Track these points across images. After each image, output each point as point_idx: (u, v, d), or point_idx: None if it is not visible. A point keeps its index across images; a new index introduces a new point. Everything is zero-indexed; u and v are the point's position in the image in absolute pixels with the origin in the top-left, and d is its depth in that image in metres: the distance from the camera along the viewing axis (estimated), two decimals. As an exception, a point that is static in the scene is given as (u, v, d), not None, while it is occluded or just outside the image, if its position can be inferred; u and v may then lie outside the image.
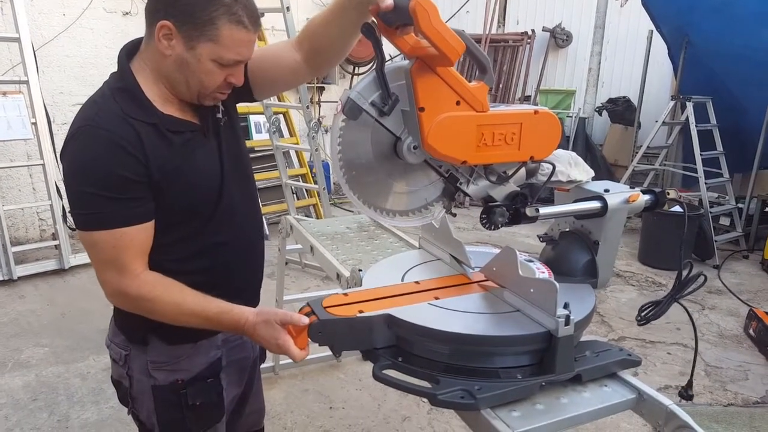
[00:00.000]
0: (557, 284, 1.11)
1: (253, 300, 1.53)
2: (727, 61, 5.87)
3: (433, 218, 1.31)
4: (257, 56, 1.38)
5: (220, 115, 1.38)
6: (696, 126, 5.57)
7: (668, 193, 1.45)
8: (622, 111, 7.41)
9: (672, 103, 5.91)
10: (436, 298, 1.28)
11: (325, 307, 1.21)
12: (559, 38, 8.27)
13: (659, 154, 6.45)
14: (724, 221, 5.93)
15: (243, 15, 1.20)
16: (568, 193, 1.48)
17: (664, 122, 5.98)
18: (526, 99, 7.90)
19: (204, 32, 1.18)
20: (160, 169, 1.23)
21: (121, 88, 1.26)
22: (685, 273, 1.47)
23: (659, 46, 6.50)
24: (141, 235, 1.24)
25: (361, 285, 1.59)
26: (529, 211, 1.28)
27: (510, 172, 1.27)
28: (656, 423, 1.15)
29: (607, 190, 1.39)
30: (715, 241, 5.34)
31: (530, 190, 1.35)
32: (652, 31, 6.35)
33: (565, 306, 1.13)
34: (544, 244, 1.54)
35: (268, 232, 5.56)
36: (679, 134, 6.46)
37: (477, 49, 1.09)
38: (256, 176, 5.60)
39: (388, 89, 1.11)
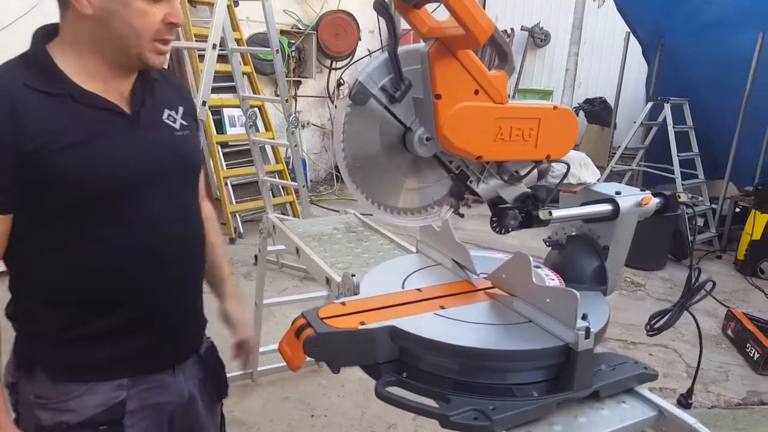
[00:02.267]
0: (578, 294, 1.02)
1: (179, 336, 1.33)
2: (701, 65, 5.95)
3: (439, 218, 1.21)
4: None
5: (175, 126, 1.26)
6: (674, 128, 5.60)
7: (679, 196, 1.38)
8: (598, 111, 7.44)
9: (650, 104, 5.93)
10: (442, 308, 1.18)
11: (322, 319, 1.10)
12: (538, 37, 8.27)
13: (635, 155, 6.48)
14: (698, 222, 5.99)
15: None
16: (574, 195, 1.40)
17: (641, 123, 6.00)
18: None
19: None
20: (46, 145, 1.06)
21: (28, 56, 1.14)
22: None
23: (635, 47, 6.54)
24: None
25: (354, 291, 1.50)
26: (543, 214, 1.19)
27: (523, 172, 1.18)
28: (679, 442, 1.07)
29: (618, 193, 1.31)
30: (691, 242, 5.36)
31: (536, 191, 1.27)
32: (629, 32, 6.38)
33: (584, 317, 1.04)
34: (547, 248, 1.46)
35: (242, 231, 5.39)
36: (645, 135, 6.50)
37: (498, 33, 1.00)
38: (231, 172, 5.44)
39: (401, 73, 1.01)
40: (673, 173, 5.67)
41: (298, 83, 7.26)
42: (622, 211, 1.29)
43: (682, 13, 5.88)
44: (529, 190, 1.20)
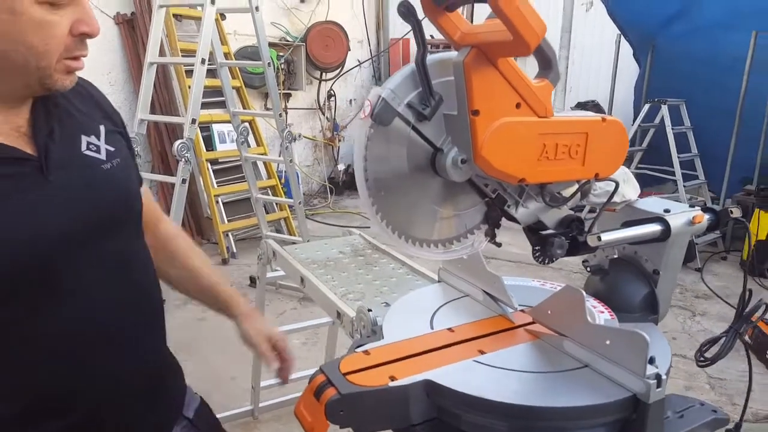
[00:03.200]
0: (647, 337, 0.87)
1: (149, 410, 1.06)
2: (692, 66, 5.90)
3: (473, 249, 1.06)
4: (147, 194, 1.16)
5: (100, 156, 0.95)
6: (672, 129, 5.51)
7: (731, 212, 1.24)
8: (592, 114, 7.34)
9: (647, 106, 5.84)
10: (481, 352, 1.03)
11: (344, 374, 0.94)
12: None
13: (632, 157, 6.39)
14: (701, 224, 5.89)
15: None
16: (614, 214, 1.26)
17: (640, 125, 5.91)
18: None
19: None
20: None
21: None
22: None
23: (625, 49, 6.47)
24: None
25: (371, 329, 1.35)
26: (591, 240, 1.04)
27: (566, 193, 1.03)
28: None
29: (667, 210, 1.17)
30: (696, 244, 5.27)
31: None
32: (620, 35, 6.31)
33: (651, 361, 0.90)
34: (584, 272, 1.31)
35: (236, 250, 5.21)
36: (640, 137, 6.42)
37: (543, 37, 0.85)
38: (222, 189, 5.25)
39: (430, 87, 0.86)
40: (673, 175, 5.57)
41: (288, 96, 7.12)
42: (674, 232, 1.15)
43: (673, 14, 5.85)
44: (573, 213, 1.05)
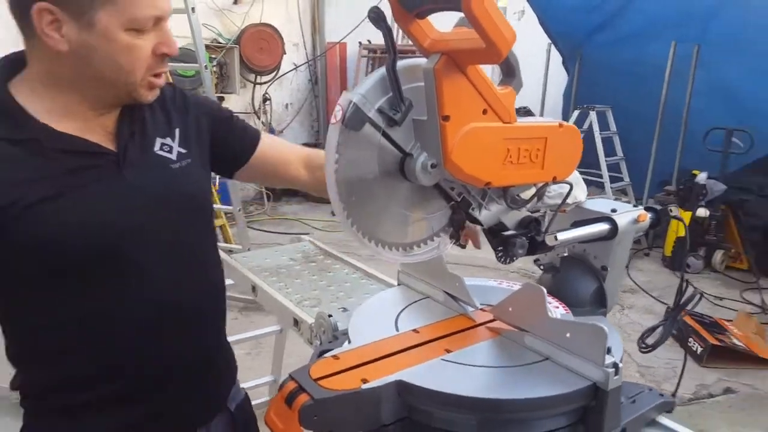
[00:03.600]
0: (606, 328, 0.93)
1: (194, 398, 1.15)
2: (616, 74, 6.24)
3: (439, 252, 1.09)
4: (270, 143, 1.24)
5: (171, 156, 1.07)
6: (600, 134, 5.80)
7: (671, 210, 1.33)
8: (523, 119, 7.61)
9: (576, 112, 6.12)
10: (447, 351, 1.06)
11: (315, 380, 0.95)
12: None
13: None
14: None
15: None
16: (564, 215, 1.32)
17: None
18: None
19: None
20: (12, 204, 0.90)
21: None
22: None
23: (555, 57, 6.76)
24: None
25: (331, 334, 1.35)
26: (549, 240, 1.09)
27: (526, 195, 1.08)
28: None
29: (614, 210, 1.25)
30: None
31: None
32: (550, 43, 6.58)
33: (608, 351, 0.95)
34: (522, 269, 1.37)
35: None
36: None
37: (508, 46, 0.89)
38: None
39: (401, 92, 0.88)
40: (600, 177, 5.86)
41: (221, 99, 6.96)
42: (621, 230, 1.22)
43: (599, 25, 6.16)
44: (531, 214, 1.10)
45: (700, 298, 1.36)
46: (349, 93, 0.88)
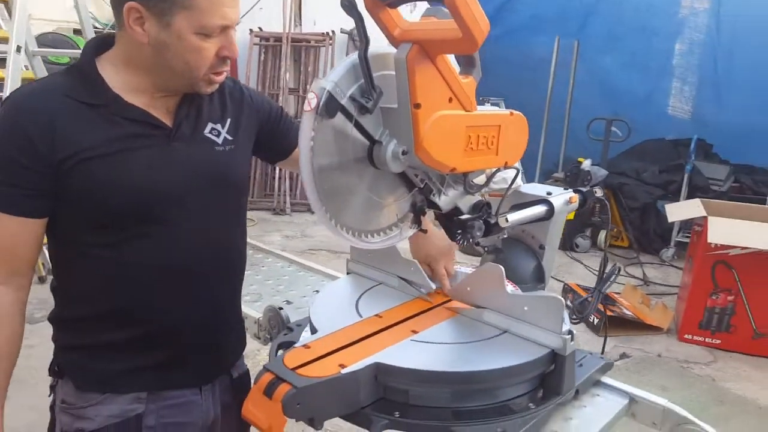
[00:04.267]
0: (562, 300, 1.02)
1: (207, 355, 1.25)
2: (507, 67, 6.58)
3: (402, 237, 1.12)
4: None
5: (217, 140, 1.19)
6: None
7: (595, 192, 1.46)
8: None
9: (472, 103, 6.36)
10: (414, 332, 1.10)
11: (292, 370, 0.95)
12: (358, 41, 8.42)
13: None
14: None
15: None
16: (502, 199, 1.41)
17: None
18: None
19: (175, 1, 1.02)
20: (77, 153, 1.05)
21: (76, 66, 1.13)
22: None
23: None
24: (12, 230, 1.07)
25: (281, 328, 1.35)
26: (502, 221, 1.16)
27: (479, 180, 1.14)
28: (651, 423, 1.13)
29: (549, 193, 1.35)
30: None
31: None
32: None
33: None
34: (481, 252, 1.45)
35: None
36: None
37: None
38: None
39: (372, 80, 0.90)
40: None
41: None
42: (556, 210, 1.32)
43: (489, 19, 6.44)
44: (483, 199, 1.17)
45: (619, 271, 1.49)
46: (321, 81, 0.88)
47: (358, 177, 0.98)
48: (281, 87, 7.16)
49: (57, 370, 1.20)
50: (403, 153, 0.94)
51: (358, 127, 0.94)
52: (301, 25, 8.46)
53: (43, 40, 5.48)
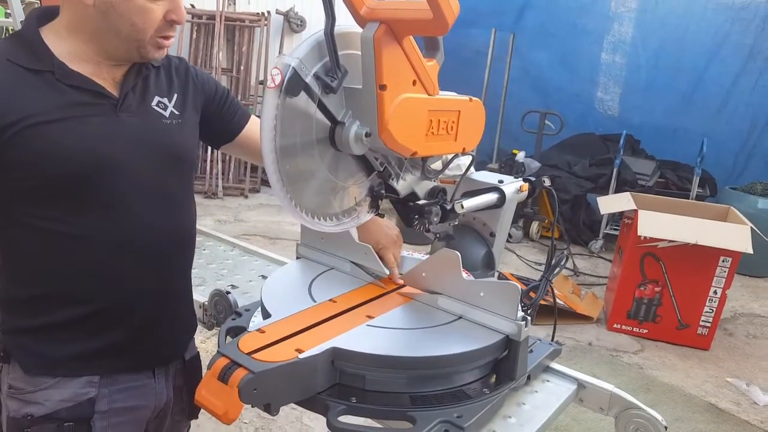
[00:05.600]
0: (519, 286, 1.03)
1: (159, 337, 1.23)
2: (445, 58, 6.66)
3: (360, 220, 1.10)
4: (256, 127, 1.35)
5: (164, 113, 1.18)
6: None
7: (544, 181, 1.49)
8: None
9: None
10: (370, 317, 1.09)
11: (247, 354, 0.92)
12: (294, 22, 8.26)
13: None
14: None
15: None
16: (454, 186, 1.42)
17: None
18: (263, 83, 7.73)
19: None
20: (21, 120, 1.01)
21: (17, 33, 1.12)
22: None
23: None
24: None
25: (228, 312, 1.31)
26: (458, 207, 1.17)
27: (436, 166, 1.14)
28: (598, 408, 1.17)
29: (501, 181, 1.36)
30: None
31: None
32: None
33: (515, 306, 1.06)
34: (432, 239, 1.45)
35: None
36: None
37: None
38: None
39: (337, 59, 0.88)
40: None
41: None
42: (507, 198, 1.34)
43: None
44: (439, 184, 1.16)
45: (566, 260, 1.54)
46: (286, 57, 0.85)
47: (319, 159, 0.96)
48: (214, 66, 6.94)
49: (2, 354, 1.16)
50: (367, 135, 0.92)
51: (321, 107, 0.91)
52: (234, 4, 8.21)
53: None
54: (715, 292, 3.53)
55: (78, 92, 1.07)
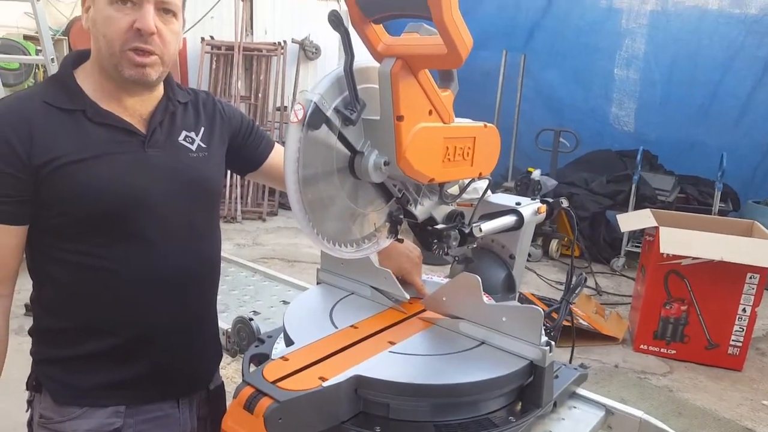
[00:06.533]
0: (541, 310, 1.03)
1: (185, 368, 1.25)
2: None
3: (379, 246, 1.12)
4: (280, 155, 1.31)
5: (191, 147, 1.22)
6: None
7: (562, 202, 1.49)
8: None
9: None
10: (392, 343, 1.09)
11: (272, 383, 0.93)
12: (309, 50, 8.40)
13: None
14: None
15: None
16: (470, 208, 1.42)
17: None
18: (283, 109, 7.83)
19: None
20: (56, 159, 1.06)
21: (54, 76, 1.17)
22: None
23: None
24: None
25: (251, 339, 1.32)
26: (476, 231, 1.17)
27: (453, 191, 1.15)
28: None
29: (518, 203, 1.37)
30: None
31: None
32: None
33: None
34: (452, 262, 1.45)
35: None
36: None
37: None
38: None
39: (356, 93, 0.90)
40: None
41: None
42: (526, 220, 1.34)
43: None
44: (457, 208, 1.17)
45: (585, 280, 1.53)
46: (307, 93, 0.88)
47: (339, 187, 0.98)
48: (233, 95, 7.08)
49: (35, 384, 1.19)
50: (385, 164, 0.94)
51: (341, 138, 0.93)
52: (252, 34, 8.39)
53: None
54: (744, 310, 3.46)
55: (108, 130, 1.11)
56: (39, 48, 5.97)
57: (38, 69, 5.94)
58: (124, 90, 1.14)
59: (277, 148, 1.44)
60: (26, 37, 5.90)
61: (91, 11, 1.09)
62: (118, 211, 1.11)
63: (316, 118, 0.87)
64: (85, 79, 1.13)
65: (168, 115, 1.20)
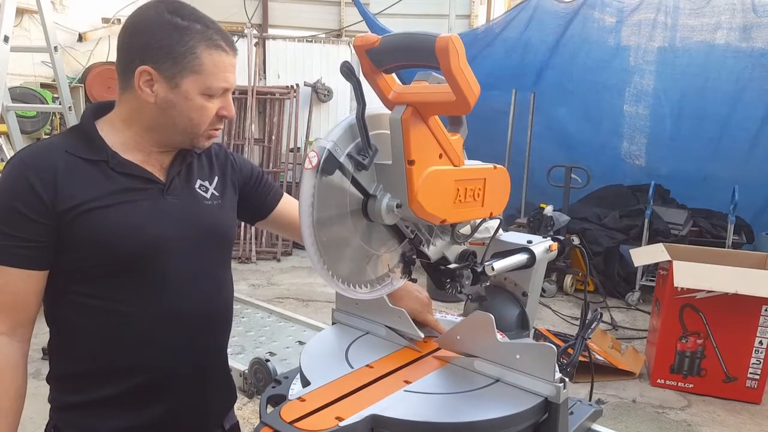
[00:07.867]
0: (554, 348, 1.04)
1: (200, 408, 1.29)
2: (469, 122, 6.76)
3: (393, 287, 1.14)
4: (288, 204, 1.49)
5: (206, 195, 1.29)
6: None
7: (573, 240, 1.51)
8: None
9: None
10: (407, 382, 1.10)
11: (290, 423, 0.94)
12: (321, 93, 8.59)
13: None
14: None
15: (219, 39, 1.16)
16: (482, 247, 1.44)
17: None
18: (296, 150, 7.96)
19: (185, 66, 1.13)
20: (78, 206, 1.11)
21: (76, 127, 1.23)
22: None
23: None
24: (16, 282, 1.11)
25: (267, 380, 1.34)
26: (488, 270, 1.19)
27: (465, 230, 1.18)
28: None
29: (530, 241, 1.39)
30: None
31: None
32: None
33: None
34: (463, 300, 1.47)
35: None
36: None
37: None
38: None
39: (368, 140, 0.94)
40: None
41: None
42: (538, 258, 1.36)
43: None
44: (469, 248, 1.20)
45: (601, 316, 1.53)
46: (321, 141, 0.92)
47: (353, 229, 1.01)
48: (247, 138, 7.22)
49: (53, 431, 1.21)
50: (398, 206, 0.98)
51: (354, 182, 0.97)
52: (265, 78, 8.62)
53: (11, 94, 5.44)
54: (761, 343, 3.41)
55: (129, 179, 1.17)
56: (56, 96, 6.20)
57: (55, 116, 6.11)
58: (162, 147, 1.21)
59: (286, 198, 1.51)
60: (43, 85, 6.08)
61: (163, 91, 1.14)
62: (137, 253, 1.15)
63: (329, 164, 0.91)
64: (110, 131, 1.19)
65: (185, 165, 1.27)
